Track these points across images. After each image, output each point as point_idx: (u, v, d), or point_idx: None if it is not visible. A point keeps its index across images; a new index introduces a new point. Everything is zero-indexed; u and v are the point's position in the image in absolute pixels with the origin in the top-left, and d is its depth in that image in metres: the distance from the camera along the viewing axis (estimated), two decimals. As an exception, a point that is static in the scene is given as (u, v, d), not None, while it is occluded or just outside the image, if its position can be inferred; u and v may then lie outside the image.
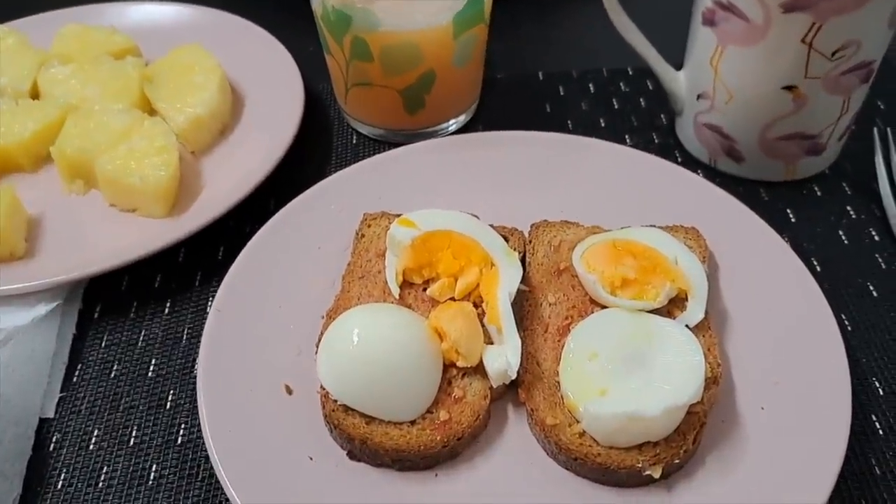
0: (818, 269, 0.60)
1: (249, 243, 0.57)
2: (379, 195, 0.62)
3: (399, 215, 0.58)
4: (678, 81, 0.68)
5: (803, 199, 0.66)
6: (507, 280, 0.51)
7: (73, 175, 0.64)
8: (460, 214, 0.57)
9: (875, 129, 0.67)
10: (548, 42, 0.84)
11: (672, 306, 0.51)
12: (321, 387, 0.48)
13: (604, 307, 0.51)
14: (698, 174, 0.66)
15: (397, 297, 0.53)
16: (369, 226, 0.59)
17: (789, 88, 0.60)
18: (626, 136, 0.72)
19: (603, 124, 0.74)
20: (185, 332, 0.57)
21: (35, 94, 0.72)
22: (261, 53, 0.77)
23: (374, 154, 0.70)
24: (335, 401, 0.47)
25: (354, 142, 0.73)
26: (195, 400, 0.52)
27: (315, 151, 0.72)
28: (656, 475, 0.43)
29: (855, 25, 0.56)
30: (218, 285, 0.58)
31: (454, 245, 0.54)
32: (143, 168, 0.61)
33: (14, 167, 0.67)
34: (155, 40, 0.78)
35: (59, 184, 0.66)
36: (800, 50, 0.57)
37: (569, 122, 0.74)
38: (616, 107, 0.76)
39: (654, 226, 0.57)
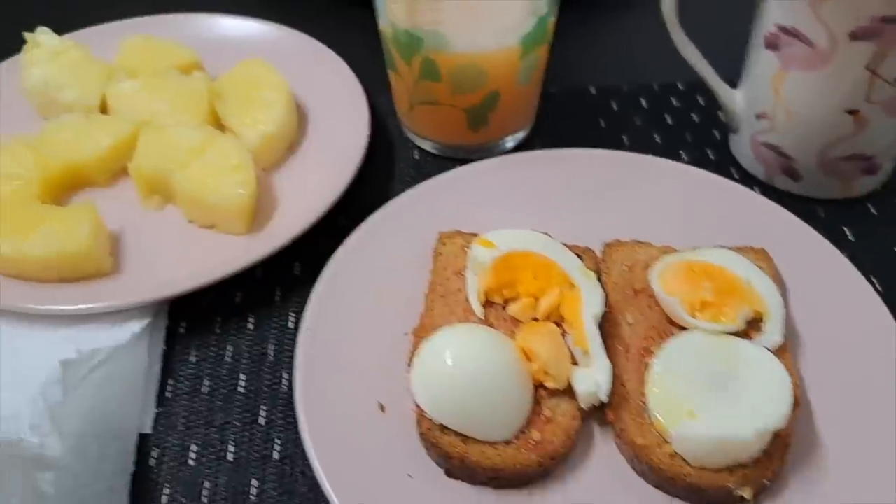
0: (879, 288, 0.62)
1: (331, 263, 0.59)
2: (450, 213, 0.64)
3: (473, 234, 0.61)
4: (735, 100, 0.70)
5: (859, 217, 0.68)
6: (590, 302, 0.53)
7: (150, 191, 0.66)
8: (536, 234, 0.58)
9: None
10: (597, 56, 0.86)
11: (748, 328, 0.53)
12: (416, 405, 0.50)
13: (682, 328, 0.53)
14: (756, 191, 0.68)
15: (481, 316, 0.55)
16: (444, 244, 0.60)
17: (851, 112, 0.62)
18: (682, 152, 0.74)
19: (658, 140, 0.76)
20: (271, 348, 0.59)
21: (103, 109, 0.73)
22: (320, 67, 0.78)
23: (436, 168, 0.72)
24: (431, 420, 0.49)
25: (416, 156, 0.75)
26: (287, 416, 0.54)
27: (377, 165, 0.73)
28: (748, 496, 0.45)
29: (920, 54, 0.57)
30: (297, 301, 0.61)
31: (534, 265, 0.56)
32: (223, 186, 0.62)
33: (88, 182, 0.68)
34: (214, 53, 0.79)
35: (135, 199, 0.67)
36: (863, 76, 0.59)
37: (624, 137, 0.76)
38: (669, 122, 0.77)
39: (724, 247, 0.59)
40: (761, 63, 0.65)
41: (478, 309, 0.55)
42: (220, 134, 0.67)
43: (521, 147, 0.75)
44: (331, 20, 0.91)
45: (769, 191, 0.70)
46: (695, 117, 0.78)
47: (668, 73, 0.82)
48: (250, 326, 0.61)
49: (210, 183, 0.63)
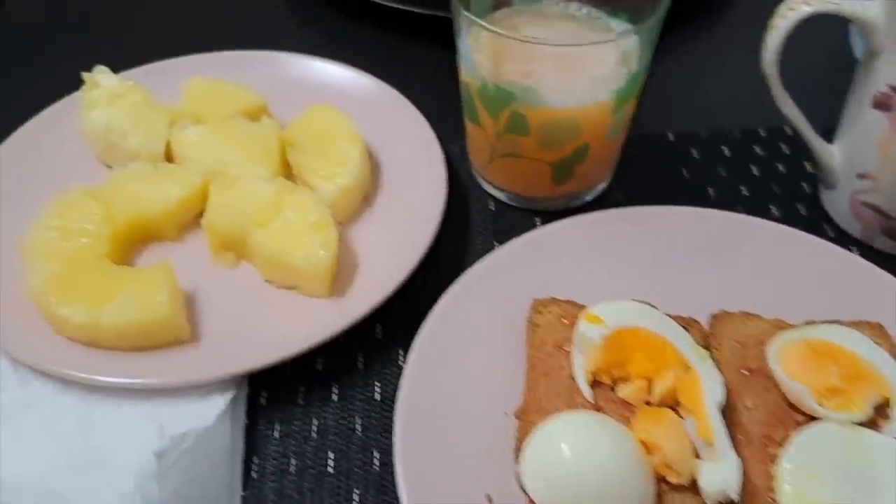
0: None
1: (420, 334, 0.56)
2: (540, 276, 0.61)
3: (569, 302, 0.58)
4: (832, 156, 0.66)
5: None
6: (710, 387, 0.50)
7: (223, 248, 0.63)
8: (642, 306, 0.55)
9: None
10: (673, 100, 0.83)
11: (875, 415, 0.50)
12: (528, 499, 0.47)
13: (806, 415, 0.50)
14: (853, 251, 0.65)
15: (591, 400, 0.52)
16: (540, 313, 0.57)
17: (968, 175, 0.58)
18: (771, 207, 0.71)
19: (745, 192, 0.72)
20: (358, 422, 0.56)
21: (169, 157, 0.70)
22: (389, 111, 0.75)
23: (513, 220, 0.70)
24: (547, 516, 0.46)
25: (491, 207, 0.72)
26: (381, 500, 0.51)
27: (451, 216, 0.70)
28: None
29: None
30: (380, 369, 0.58)
31: (645, 344, 0.53)
32: (304, 247, 0.59)
33: (156, 237, 0.65)
34: (278, 95, 0.76)
35: (205, 255, 0.64)
36: None
37: (709, 189, 0.73)
38: (755, 173, 0.74)
39: (840, 322, 0.56)
40: (867, 122, 0.62)
41: (586, 391, 0.52)
42: (296, 187, 0.64)
43: (601, 198, 0.72)
44: (396, 58, 0.88)
45: (866, 251, 0.67)
46: (780, 168, 0.74)
47: (747, 118, 0.79)
48: (334, 398, 0.58)
49: (290, 243, 0.59)
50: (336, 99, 0.74)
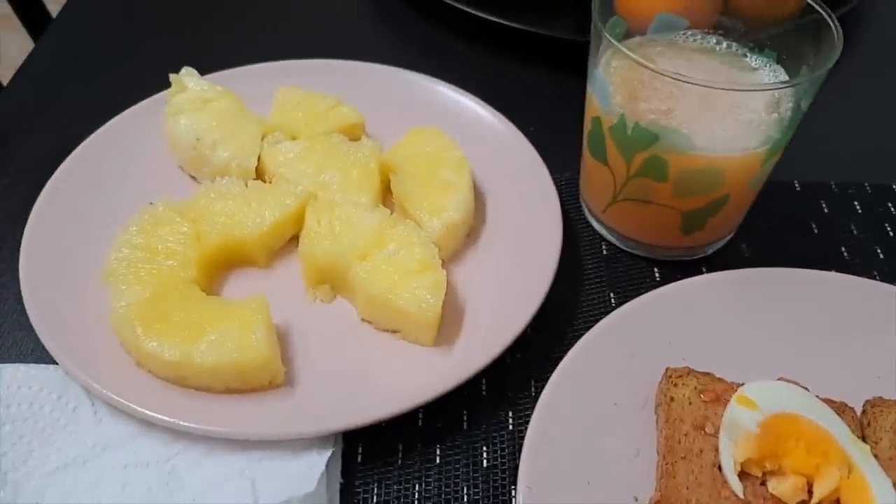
0: None
1: (541, 401, 0.50)
2: (669, 339, 0.55)
3: (707, 374, 0.52)
4: None
5: None
6: (880, 491, 0.44)
7: (319, 281, 0.57)
8: (796, 389, 0.49)
9: None
10: (800, 147, 0.76)
11: None
12: None
13: None
14: None
15: (740, 495, 0.45)
16: (675, 385, 0.51)
17: None
18: (912, 274, 0.64)
19: (881, 255, 0.66)
20: (464, 490, 0.50)
21: (259, 173, 0.64)
22: (493, 136, 0.69)
23: (630, 269, 0.64)
24: None
25: (605, 251, 0.66)
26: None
27: (562, 257, 0.64)
28: None
29: None
30: (486, 430, 0.53)
31: (804, 434, 0.47)
32: (411, 289, 0.53)
33: (245, 262, 0.60)
34: (373, 108, 0.71)
35: (299, 285, 0.58)
36: None
37: (843, 249, 0.66)
38: (891, 234, 0.67)
39: None
40: None
41: (736, 484, 0.46)
42: (400, 220, 0.59)
43: (724, 249, 0.66)
44: (501, 79, 0.82)
45: None
46: (919, 230, 0.68)
47: (878, 172, 0.72)
48: (437, 459, 0.52)
49: (394, 283, 0.54)
50: (436, 120, 0.68)
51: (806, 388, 0.50)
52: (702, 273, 0.63)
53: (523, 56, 0.84)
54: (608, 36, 0.54)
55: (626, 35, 0.63)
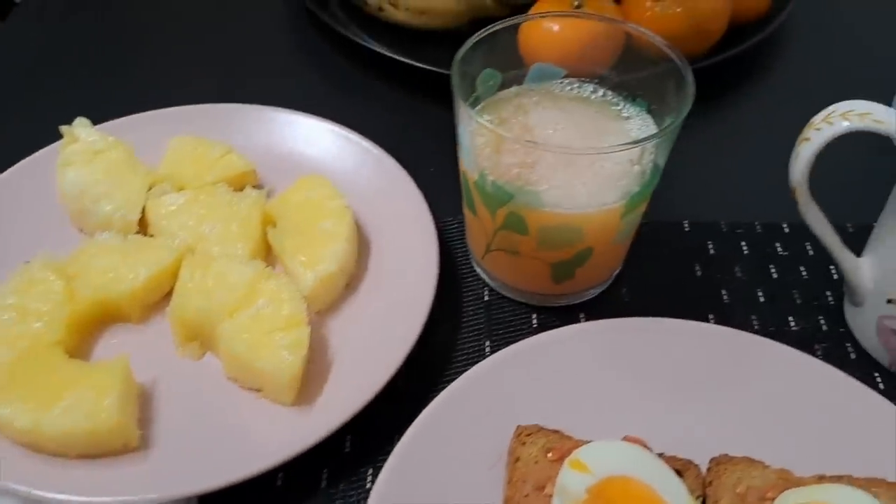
0: None
1: (389, 462, 0.51)
2: (528, 394, 0.56)
3: (556, 432, 0.52)
4: (861, 273, 0.60)
5: None
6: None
7: (189, 337, 0.58)
8: (634, 450, 0.50)
9: None
10: (692, 186, 0.77)
11: None
12: None
13: None
14: (877, 379, 0.60)
15: (571, 560, 0.46)
16: (523, 443, 0.52)
17: None
18: (790, 318, 0.65)
19: (762, 299, 0.67)
20: (316, 551, 0.51)
21: (144, 226, 0.65)
22: (385, 182, 0.70)
23: (508, 315, 0.64)
24: None
25: (486, 297, 0.66)
26: None
27: (443, 304, 0.65)
28: None
29: None
30: (346, 488, 0.53)
31: (633, 499, 0.47)
32: (272, 348, 0.54)
33: (119, 318, 0.60)
34: (272, 157, 0.71)
35: (169, 340, 0.59)
36: None
37: (723, 292, 0.67)
38: (774, 276, 0.68)
39: (853, 478, 0.50)
40: (902, 247, 0.55)
41: (566, 550, 0.47)
42: (273, 274, 0.59)
43: (605, 293, 0.67)
44: (405, 121, 0.83)
45: (892, 378, 0.61)
46: (804, 272, 0.68)
47: (771, 210, 0.72)
48: (294, 519, 0.53)
49: (256, 341, 0.55)
50: (330, 166, 0.69)
51: (647, 447, 0.50)
52: (579, 319, 0.65)
53: (435, 97, 0.84)
54: (461, 102, 0.54)
55: (503, 85, 0.64)
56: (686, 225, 0.72)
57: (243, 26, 0.97)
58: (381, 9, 0.91)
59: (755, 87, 0.89)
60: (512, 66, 0.64)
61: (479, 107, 0.62)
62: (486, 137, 0.57)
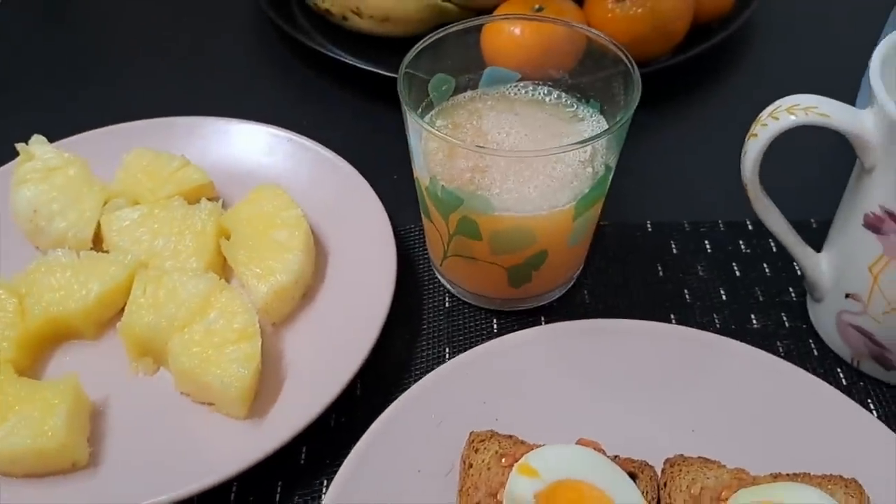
0: None
1: (341, 471, 0.50)
2: (484, 399, 0.55)
3: (510, 437, 0.52)
4: (820, 268, 0.60)
5: (963, 417, 0.58)
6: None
7: (141, 353, 0.58)
8: (586, 453, 0.49)
9: None
10: (655, 186, 0.76)
11: None
12: None
13: None
14: (838, 373, 0.59)
15: (520, 567, 0.46)
16: (477, 450, 0.51)
17: (968, 313, 0.52)
18: (752, 316, 0.65)
19: (724, 297, 0.66)
20: (268, 566, 0.50)
21: (98, 241, 0.65)
22: (342, 189, 0.69)
23: (469, 321, 0.64)
24: None
25: (447, 304, 0.66)
26: None
27: (404, 311, 0.64)
28: None
29: None
30: (300, 502, 0.52)
31: (582, 502, 0.47)
32: (222, 362, 0.54)
33: (73, 335, 0.60)
34: (230, 168, 0.71)
35: (124, 356, 0.59)
36: None
37: (685, 292, 0.66)
38: (737, 273, 0.68)
39: (809, 475, 0.50)
40: (857, 242, 0.55)
41: (515, 557, 0.46)
42: (226, 287, 0.59)
43: (566, 296, 0.66)
44: (363, 132, 0.82)
45: (854, 374, 0.60)
46: (766, 269, 0.68)
47: (734, 208, 0.71)
48: (247, 533, 0.52)
49: (207, 357, 0.54)
50: (291, 174, 0.69)
51: (601, 449, 0.50)
52: (540, 323, 0.64)
53: (399, 104, 0.84)
54: (407, 109, 0.54)
55: (458, 90, 0.63)
56: (649, 226, 0.72)
57: (206, 38, 0.97)
58: (345, 18, 0.90)
59: (719, 85, 0.89)
60: (466, 71, 0.63)
61: (432, 112, 0.62)
62: (438, 143, 0.57)
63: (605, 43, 0.59)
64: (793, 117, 0.52)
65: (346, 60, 0.84)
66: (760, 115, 0.54)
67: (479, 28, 0.62)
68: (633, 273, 0.68)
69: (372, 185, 0.69)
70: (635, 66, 0.56)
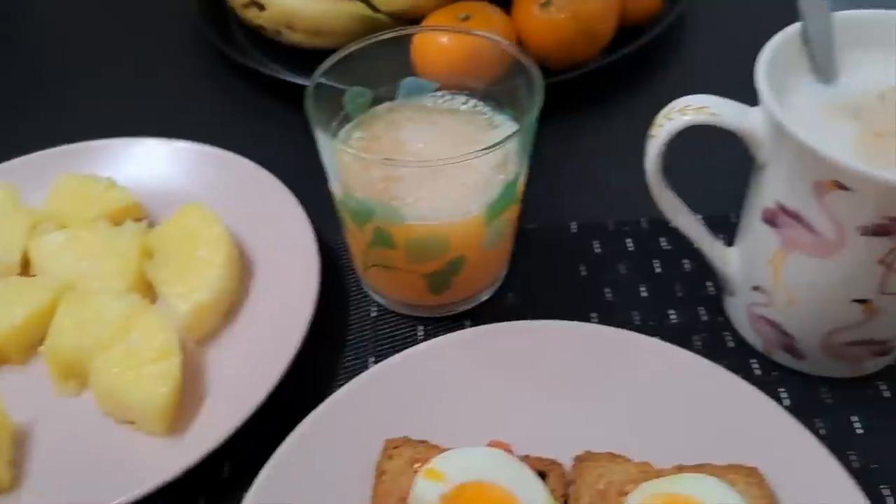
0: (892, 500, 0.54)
1: (255, 484, 0.51)
2: (401, 406, 0.56)
3: (423, 442, 0.53)
4: (730, 262, 0.61)
5: (870, 403, 0.60)
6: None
7: (65, 375, 0.59)
8: (494, 453, 0.51)
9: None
10: (582, 187, 0.78)
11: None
12: None
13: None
14: (752, 365, 0.61)
15: (426, 569, 0.47)
16: (390, 457, 0.53)
17: (861, 301, 0.53)
18: (671, 312, 0.66)
19: (644, 294, 0.67)
20: (188, 580, 0.51)
21: (27, 267, 0.66)
22: (270, 205, 0.70)
23: (394, 330, 0.65)
24: None
25: (373, 313, 0.67)
26: None
27: (330, 321, 0.65)
28: None
29: (943, 250, 0.49)
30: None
31: (485, 502, 0.48)
32: (142, 382, 0.55)
33: (1, 360, 0.61)
34: (160, 188, 0.72)
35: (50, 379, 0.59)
36: (876, 269, 0.51)
37: (606, 291, 0.68)
38: (658, 271, 0.69)
39: (712, 465, 0.51)
40: (758, 235, 0.57)
41: (421, 559, 0.47)
42: (148, 307, 0.60)
43: (491, 301, 0.67)
44: (295, 143, 0.83)
45: (768, 364, 0.62)
46: (686, 265, 0.69)
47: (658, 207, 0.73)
48: (169, 549, 0.53)
49: (126, 376, 0.55)
50: (219, 191, 0.70)
51: (509, 450, 0.51)
52: (465, 327, 0.65)
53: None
54: (314, 125, 0.55)
55: (377, 100, 0.64)
56: (574, 226, 0.73)
57: (146, 58, 0.98)
58: (278, 32, 0.91)
59: (649, 85, 0.90)
60: (384, 82, 0.65)
61: (349, 125, 0.63)
62: (350, 156, 0.58)
63: (512, 51, 0.60)
64: (685, 117, 0.54)
65: (276, 75, 0.85)
66: (657, 116, 0.55)
67: (394, 40, 0.63)
68: (557, 274, 0.69)
69: (305, 198, 0.70)
70: (537, 72, 0.58)
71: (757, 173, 0.56)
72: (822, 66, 0.54)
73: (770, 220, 0.55)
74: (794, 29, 0.55)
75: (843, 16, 0.56)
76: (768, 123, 0.51)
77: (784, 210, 0.53)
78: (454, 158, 0.55)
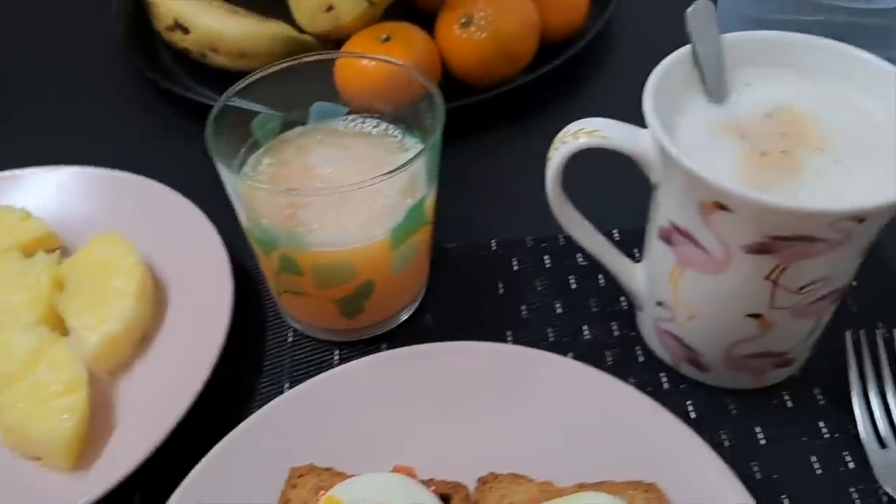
0: (789, 513, 0.55)
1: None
2: (309, 433, 0.56)
3: (328, 469, 0.53)
4: (635, 277, 0.63)
5: (773, 413, 0.61)
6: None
7: (-29, 412, 0.58)
8: (396, 479, 0.51)
9: (847, 335, 0.62)
10: (503, 204, 0.79)
11: None
12: None
13: None
14: (661, 378, 0.62)
15: None
16: (294, 486, 0.53)
17: (754, 316, 0.55)
18: (584, 327, 0.67)
19: (559, 310, 0.68)
20: None
21: (-63, 301, 0.65)
22: (186, 231, 0.70)
23: (310, 355, 0.66)
24: None
25: (290, 339, 0.67)
26: None
27: (247, 347, 0.66)
28: None
29: (822, 266, 0.51)
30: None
31: (388, 530, 0.48)
32: (46, 415, 0.55)
33: None
34: (69, 215, 0.72)
35: (-41, 416, 0.59)
36: (764, 285, 0.52)
37: (523, 308, 0.69)
38: (573, 287, 0.70)
39: (612, 482, 0.52)
40: (657, 252, 0.58)
41: (320, 590, 0.47)
42: (57, 340, 0.60)
43: (408, 322, 0.68)
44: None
45: (676, 377, 0.63)
46: (601, 280, 0.71)
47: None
48: (75, 585, 0.53)
49: (30, 412, 0.55)
50: (136, 219, 0.70)
51: (415, 475, 0.52)
52: (381, 350, 0.66)
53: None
54: (213, 156, 0.55)
55: (285, 126, 0.65)
56: (494, 244, 0.74)
57: (67, 83, 0.97)
58: (203, 55, 0.91)
59: (571, 102, 0.91)
60: (294, 107, 0.65)
61: (259, 151, 0.64)
62: (250, 186, 0.58)
63: (414, 75, 0.61)
64: (579, 141, 0.55)
65: (198, 98, 0.85)
66: (554, 139, 0.57)
67: (303, 66, 0.63)
68: (474, 293, 0.70)
69: (226, 223, 0.70)
70: (440, 96, 0.58)
71: (654, 193, 0.57)
72: (712, 86, 0.55)
73: (666, 238, 0.56)
74: (685, 50, 0.56)
75: (733, 37, 0.57)
76: (656, 147, 0.52)
77: (677, 229, 0.54)
78: (356, 185, 0.55)
